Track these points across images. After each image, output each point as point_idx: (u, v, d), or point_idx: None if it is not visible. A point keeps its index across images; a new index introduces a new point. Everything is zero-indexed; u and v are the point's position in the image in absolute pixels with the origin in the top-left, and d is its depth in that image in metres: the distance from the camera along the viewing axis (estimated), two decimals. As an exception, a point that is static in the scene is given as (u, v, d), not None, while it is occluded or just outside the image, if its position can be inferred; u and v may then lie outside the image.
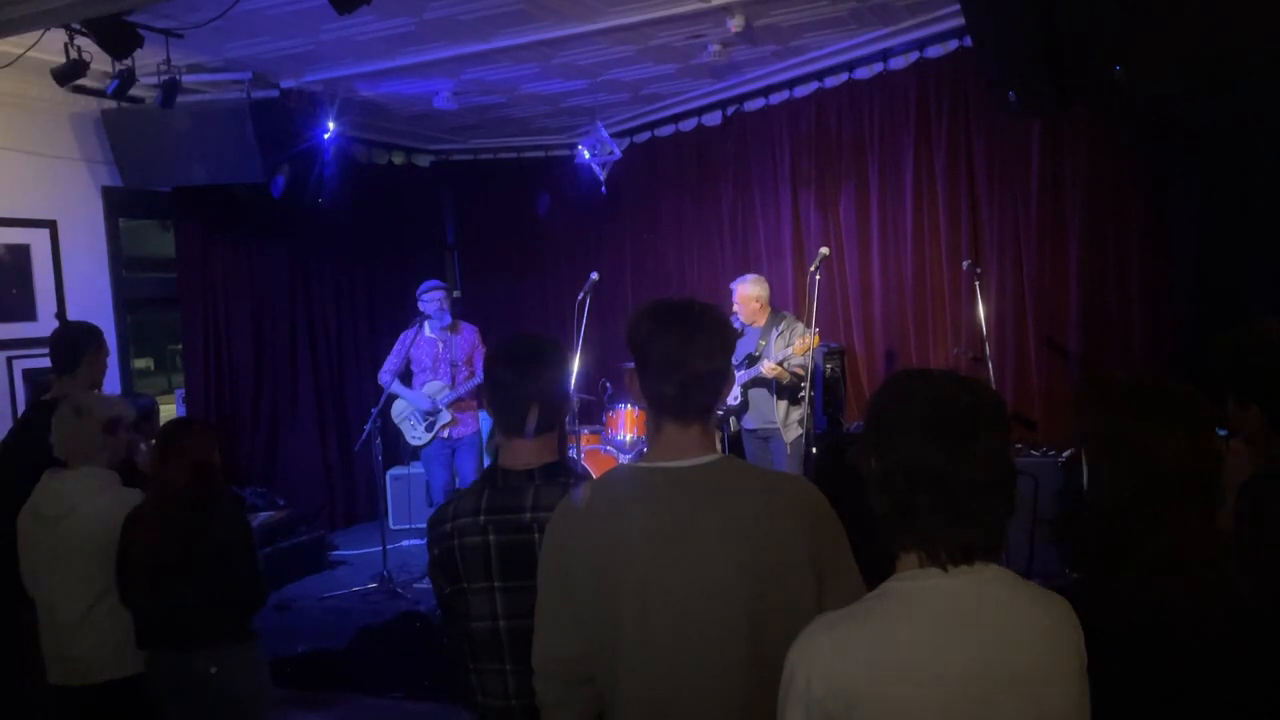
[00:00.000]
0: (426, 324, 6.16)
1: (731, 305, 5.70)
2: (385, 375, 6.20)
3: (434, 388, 6.22)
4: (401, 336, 6.30)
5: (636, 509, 1.69)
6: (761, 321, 5.70)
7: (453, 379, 6.23)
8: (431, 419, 6.22)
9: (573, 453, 6.09)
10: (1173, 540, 1.57)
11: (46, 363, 3.95)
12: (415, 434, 6.30)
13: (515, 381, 2.02)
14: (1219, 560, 1.60)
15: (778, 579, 1.62)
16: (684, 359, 1.68)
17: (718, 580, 1.62)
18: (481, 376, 6.07)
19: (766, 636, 1.59)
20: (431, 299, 6.16)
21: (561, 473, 2.04)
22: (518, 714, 1.99)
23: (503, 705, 2.01)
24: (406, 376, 6.34)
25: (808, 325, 5.42)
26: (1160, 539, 1.58)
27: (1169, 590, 1.56)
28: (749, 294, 5.69)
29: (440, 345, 6.26)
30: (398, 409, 6.33)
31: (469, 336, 6.37)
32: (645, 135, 7.93)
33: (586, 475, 2.13)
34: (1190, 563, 1.57)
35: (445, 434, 6.21)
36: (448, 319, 6.24)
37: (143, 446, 3.47)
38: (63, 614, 3.09)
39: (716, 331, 1.74)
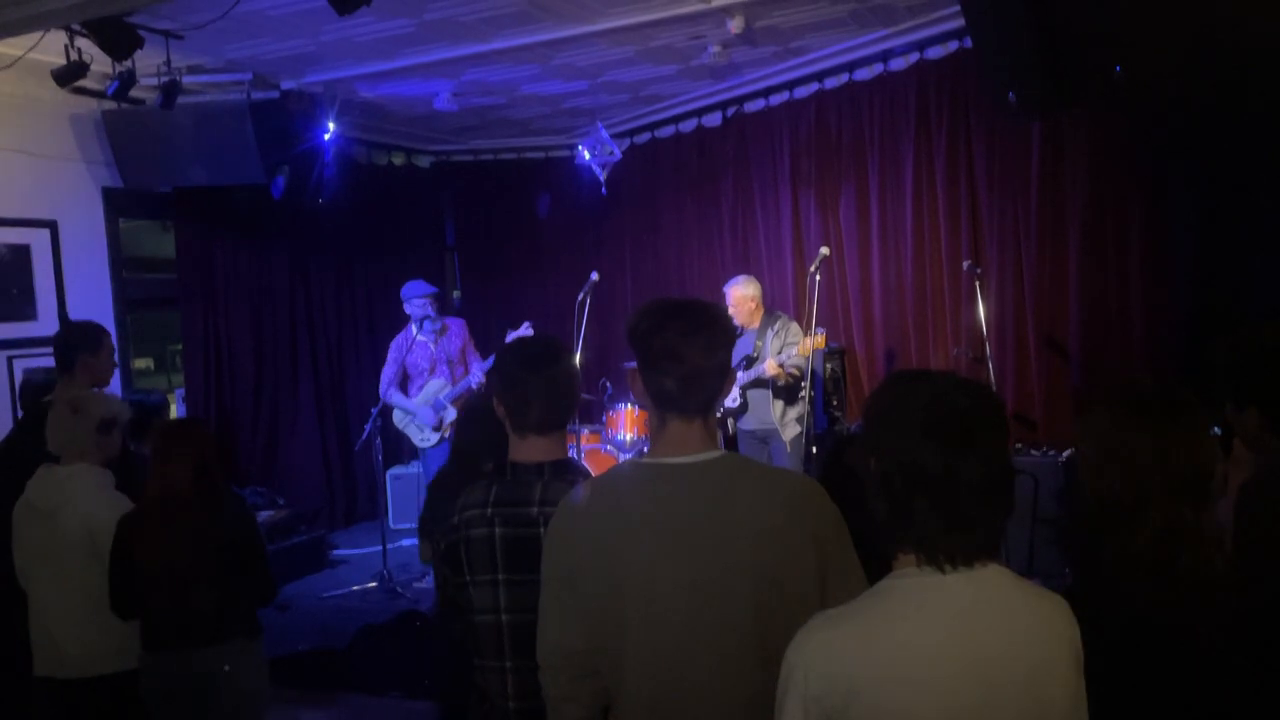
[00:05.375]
0: (416, 327, 6.13)
1: (726, 308, 5.68)
2: (383, 386, 6.18)
3: (435, 386, 6.21)
4: (394, 344, 6.27)
5: (641, 504, 1.70)
6: (756, 323, 5.69)
7: (452, 376, 6.22)
8: (440, 419, 6.18)
9: (572, 452, 6.09)
10: (1161, 538, 1.58)
11: (47, 362, 3.96)
12: (423, 437, 6.26)
13: (527, 378, 2.04)
14: (1212, 558, 1.60)
15: (781, 575, 1.63)
16: (684, 354, 1.69)
17: (721, 575, 1.63)
18: (475, 372, 6.13)
19: (770, 631, 1.60)
20: (421, 304, 6.12)
21: (569, 470, 2.06)
22: (513, 717, 1.99)
23: (502, 706, 2.01)
24: (403, 382, 6.33)
25: (807, 325, 5.42)
26: (1147, 537, 1.59)
27: (1162, 588, 1.57)
28: (744, 294, 5.67)
29: (433, 346, 6.25)
30: (398, 415, 6.31)
31: (459, 332, 6.36)
32: (645, 136, 7.94)
33: (591, 474, 2.14)
34: (1182, 561, 1.58)
35: (449, 434, 6.18)
36: (439, 324, 6.23)
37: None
38: (51, 607, 3.10)
39: (716, 326, 1.75)
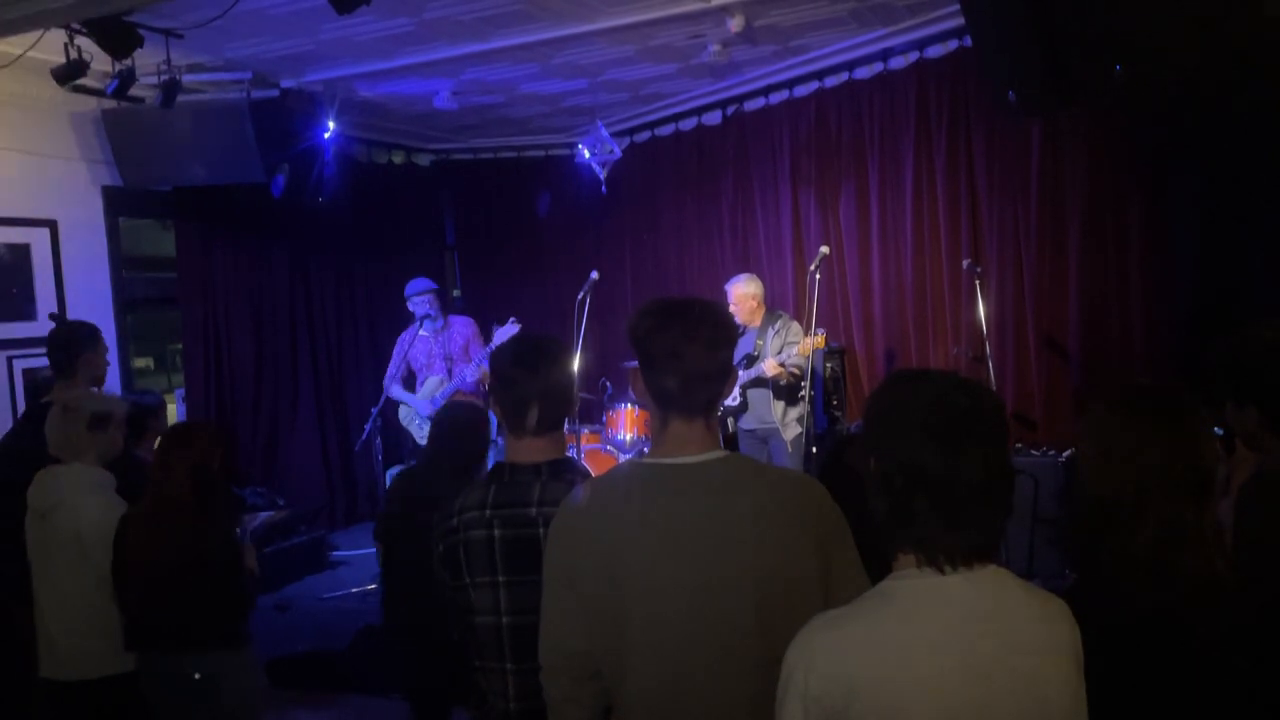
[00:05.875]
0: (419, 324, 6.15)
1: (727, 306, 5.68)
2: (387, 381, 6.20)
3: (432, 384, 6.22)
4: (399, 340, 6.29)
5: (642, 505, 1.69)
6: (757, 322, 5.69)
7: (449, 372, 6.22)
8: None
9: (572, 452, 6.08)
10: (1161, 538, 1.58)
11: (47, 362, 3.95)
12: (424, 435, 6.28)
13: (523, 379, 2.03)
14: (1212, 558, 1.60)
15: (783, 575, 1.63)
16: (686, 353, 1.69)
17: (723, 576, 1.63)
18: (476, 367, 6.12)
19: (773, 631, 1.59)
20: (421, 302, 6.14)
21: (567, 469, 2.05)
22: (515, 718, 1.99)
23: (503, 707, 2.01)
24: (410, 380, 6.33)
25: (807, 324, 5.41)
26: (1147, 537, 1.58)
27: (1162, 588, 1.57)
28: (746, 293, 5.67)
29: (433, 342, 6.27)
30: (403, 412, 6.32)
31: (463, 329, 6.36)
32: (645, 135, 7.94)
33: (590, 473, 2.14)
34: (1182, 561, 1.58)
35: None
36: (440, 321, 6.24)
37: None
38: (49, 608, 3.10)
39: (718, 326, 1.74)
